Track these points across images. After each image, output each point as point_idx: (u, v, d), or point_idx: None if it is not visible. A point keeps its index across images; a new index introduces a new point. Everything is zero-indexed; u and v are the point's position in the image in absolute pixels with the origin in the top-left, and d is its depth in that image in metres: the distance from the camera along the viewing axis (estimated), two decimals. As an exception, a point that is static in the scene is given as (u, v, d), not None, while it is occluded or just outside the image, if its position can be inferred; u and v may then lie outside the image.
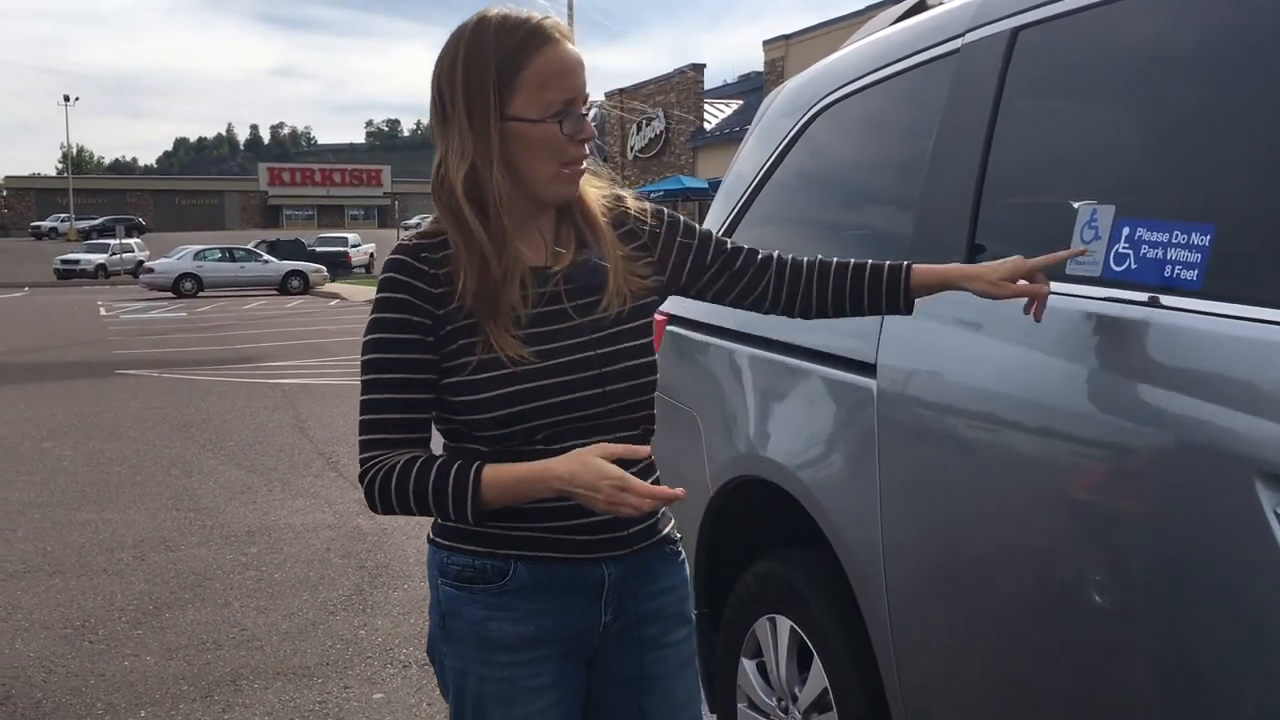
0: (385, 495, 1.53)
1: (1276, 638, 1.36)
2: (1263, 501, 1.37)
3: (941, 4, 2.47)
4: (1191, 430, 1.49)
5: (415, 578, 5.14)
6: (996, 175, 2.04)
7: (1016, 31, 2.04)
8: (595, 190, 1.70)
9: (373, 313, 1.59)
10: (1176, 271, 1.60)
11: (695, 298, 1.82)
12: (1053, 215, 1.94)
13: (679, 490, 1.49)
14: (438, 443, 1.63)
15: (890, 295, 1.79)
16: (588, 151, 1.62)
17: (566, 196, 1.63)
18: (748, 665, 2.69)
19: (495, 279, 1.55)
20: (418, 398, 1.57)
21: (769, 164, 2.93)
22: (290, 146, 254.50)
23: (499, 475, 1.51)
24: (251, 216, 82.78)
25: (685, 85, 28.28)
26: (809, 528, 2.39)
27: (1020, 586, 1.81)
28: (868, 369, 2.19)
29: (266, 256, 33.81)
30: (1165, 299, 1.60)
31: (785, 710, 2.55)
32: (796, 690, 2.50)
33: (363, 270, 43.29)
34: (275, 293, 32.16)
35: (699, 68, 28.10)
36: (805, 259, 1.82)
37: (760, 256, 1.81)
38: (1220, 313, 1.51)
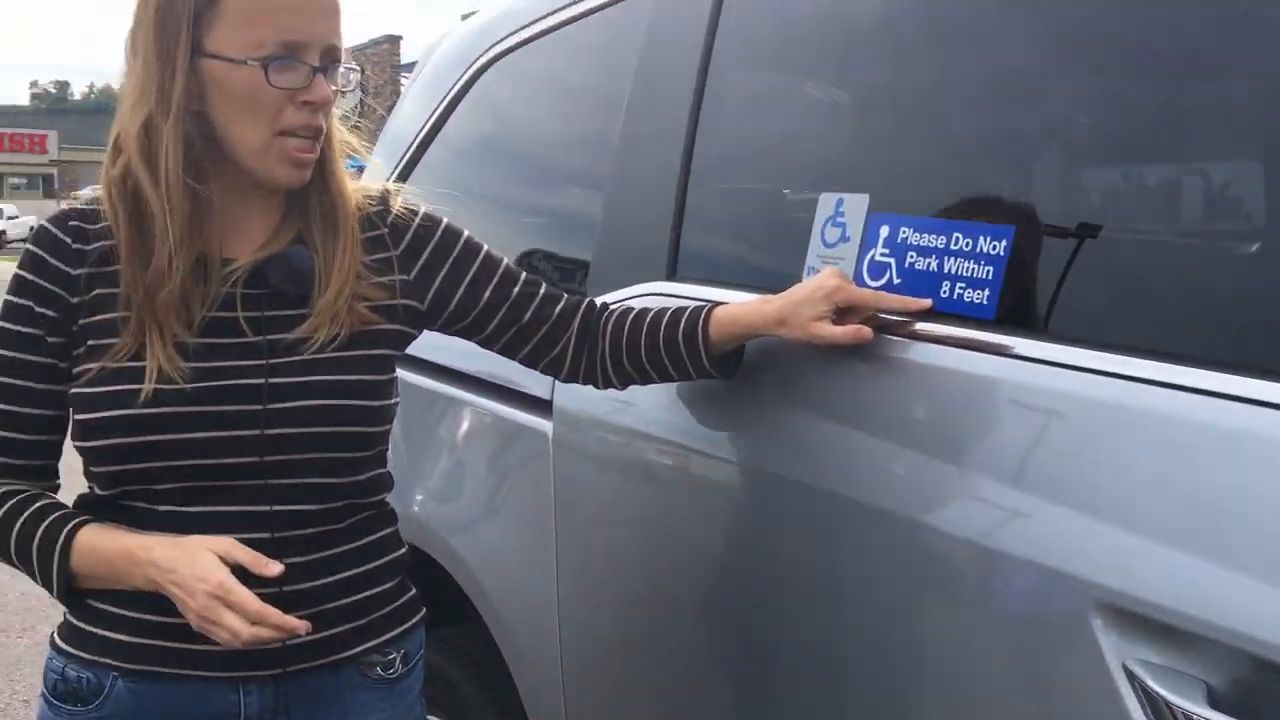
0: None
1: None
2: (1104, 649, 0.90)
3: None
4: (987, 530, 1.01)
5: (12, 631, 4.17)
6: (709, 148, 1.53)
7: (734, -42, 1.53)
8: (356, 187, 1.30)
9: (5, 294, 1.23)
10: (959, 291, 1.13)
11: (464, 338, 1.38)
12: (783, 205, 1.46)
13: (302, 624, 1.11)
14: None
15: (692, 358, 1.30)
16: (320, 123, 1.20)
17: (282, 182, 1.21)
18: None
19: (159, 267, 1.16)
20: (34, 414, 1.21)
21: (430, 126, 2.32)
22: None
23: (96, 542, 1.17)
24: (-111, 181, 73.37)
25: (380, 58, 27.01)
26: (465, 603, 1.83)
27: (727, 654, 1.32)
28: (542, 406, 1.64)
29: (-104, 227, 29.69)
30: (933, 327, 1.13)
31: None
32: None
33: (21, 245, 39.45)
34: (-92, 268, 28.32)
35: (395, 39, 26.91)
36: (613, 312, 1.38)
37: (559, 310, 1.36)
38: (1027, 354, 1.04)
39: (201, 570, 1.09)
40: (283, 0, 1.16)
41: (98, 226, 1.22)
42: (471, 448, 1.86)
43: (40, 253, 1.21)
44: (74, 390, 1.18)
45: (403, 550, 1.34)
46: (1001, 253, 1.09)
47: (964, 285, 1.12)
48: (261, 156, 1.18)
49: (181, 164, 1.16)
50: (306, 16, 1.17)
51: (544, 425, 1.63)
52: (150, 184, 1.16)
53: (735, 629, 1.35)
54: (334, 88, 1.21)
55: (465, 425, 1.86)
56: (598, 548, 1.57)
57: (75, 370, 1.19)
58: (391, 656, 1.30)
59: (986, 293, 1.10)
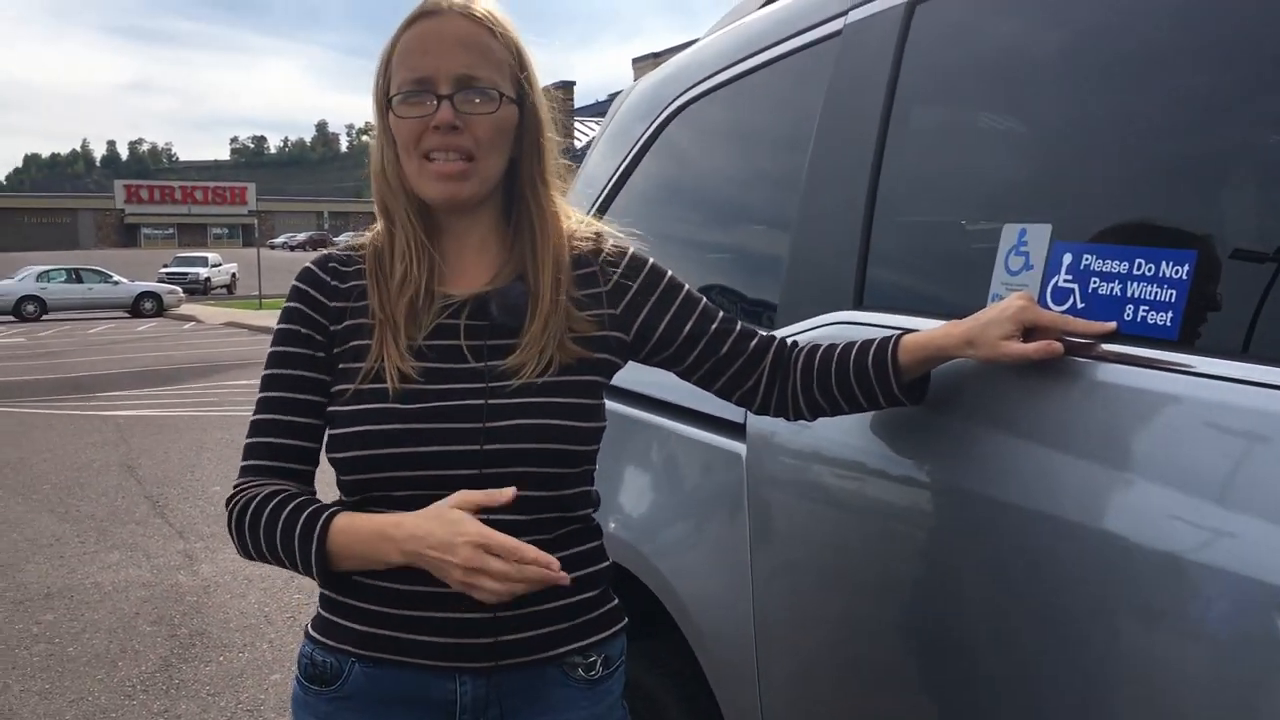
0: (240, 529, 1.33)
1: None
2: (1294, 651, 0.94)
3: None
4: (1175, 539, 1.06)
5: (234, 647, 4.50)
6: (892, 186, 1.60)
7: (913, 6, 1.62)
8: (569, 220, 1.44)
9: (276, 324, 1.41)
10: (1142, 314, 1.18)
11: (666, 369, 1.48)
12: (966, 236, 1.53)
13: (560, 574, 1.18)
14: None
15: (882, 384, 1.37)
16: (459, 144, 1.32)
17: (436, 200, 1.35)
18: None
19: (399, 274, 1.35)
20: (299, 421, 1.36)
21: (620, 172, 2.46)
22: (150, 163, 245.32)
23: (351, 524, 1.27)
24: (108, 235, 79.26)
25: (554, 104, 27.80)
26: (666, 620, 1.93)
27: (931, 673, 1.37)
28: (736, 430, 1.74)
29: (117, 277, 32.07)
30: (1121, 348, 1.19)
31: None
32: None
33: (224, 291, 41.67)
34: (126, 315, 30.49)
35: (568, 85, 27.55)
36: (803, 347, 1.46)
37: (754, 345, 1.45)
38: (1209, 372, 1.09)
39: (455, 526, 1.18)
40: (413, 44, 1.33)
41: (352, 269, 1.40)
42: (670, 471, 1.96)
43: (304, 287, 1.40)
44: (332, 408, 1.35)
45: (607, 563, 1.44)
46: (1184, 276, 1.14)
47: (1147, 308, 1.17)
48: (418, 179, 1.35)
49: (409, 192, 1.36)
50: (434, 54, 1.32)
51: (738, 448, 1.73)
52: (396, 207, 1.37)
53: (925, 638, 1.41)
54: (475, 114, 1.32)
55: (664, 450, 1.98)
56: (790, 564, 1.65)
57: (333, 390, 1.36)
58: (593, 659, 1.39)
59: (1170, 315, 1.15)
